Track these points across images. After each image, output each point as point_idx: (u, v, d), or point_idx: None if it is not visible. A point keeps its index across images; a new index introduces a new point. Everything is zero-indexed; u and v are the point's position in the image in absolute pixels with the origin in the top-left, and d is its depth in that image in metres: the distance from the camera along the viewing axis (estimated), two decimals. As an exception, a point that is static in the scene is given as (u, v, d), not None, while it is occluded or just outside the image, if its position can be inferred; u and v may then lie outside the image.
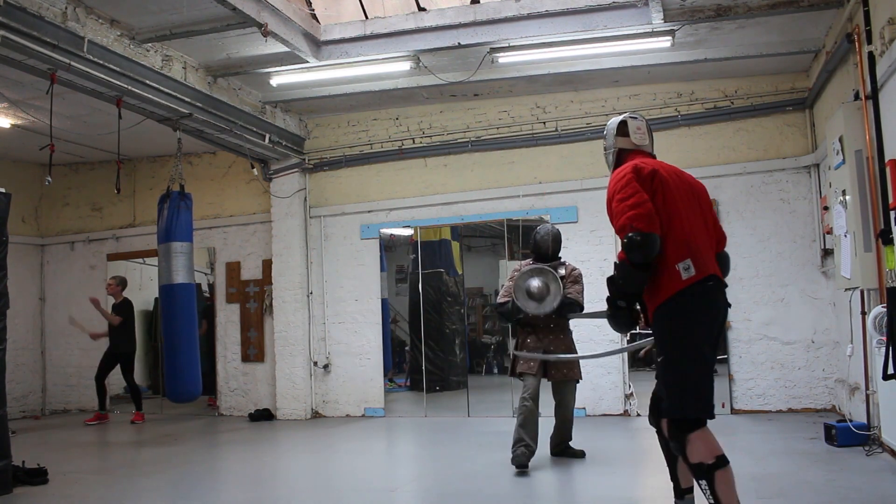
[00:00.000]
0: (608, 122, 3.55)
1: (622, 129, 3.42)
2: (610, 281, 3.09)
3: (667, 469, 3.34)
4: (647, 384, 4.12)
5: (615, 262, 3.05)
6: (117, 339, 8.43)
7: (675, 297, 2.92)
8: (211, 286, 9.38)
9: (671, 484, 3.33)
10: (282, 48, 6.27)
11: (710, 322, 2.97)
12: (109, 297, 8.64)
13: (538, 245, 5.36)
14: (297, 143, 8.55)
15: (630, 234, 2.87)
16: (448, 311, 9.75)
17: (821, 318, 6.90)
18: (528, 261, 5.41)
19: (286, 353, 8.40)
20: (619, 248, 2.99)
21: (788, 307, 7.02)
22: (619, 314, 3.09)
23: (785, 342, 7.01)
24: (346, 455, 6.15)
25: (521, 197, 7.84)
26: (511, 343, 9.37)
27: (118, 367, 8.47)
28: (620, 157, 3.38)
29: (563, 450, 5.38)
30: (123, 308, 8.54)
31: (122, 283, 8.61)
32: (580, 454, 5.32)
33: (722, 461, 2.82)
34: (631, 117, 3.47)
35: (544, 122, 7.86)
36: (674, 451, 3.04)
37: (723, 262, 3.26)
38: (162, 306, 6.97)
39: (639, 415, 7.19)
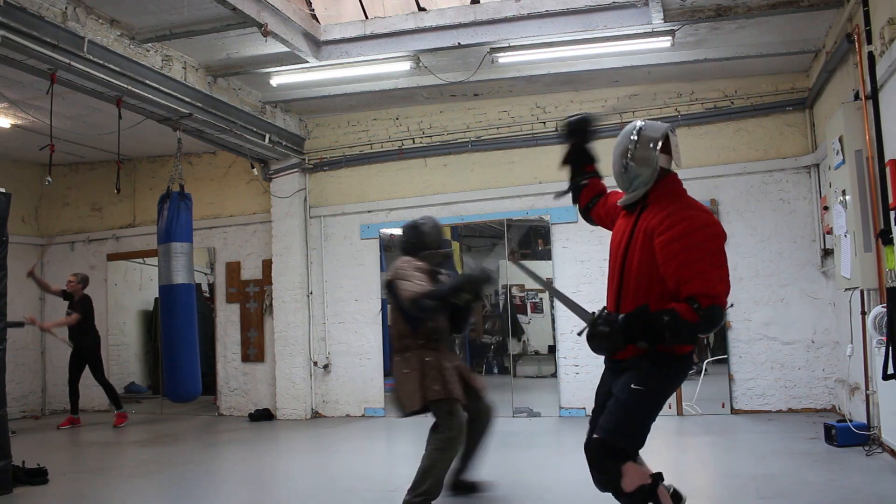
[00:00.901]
0: (644, 128, 2.87)
1: (665, 143, 2.83)
2: (650, 321, 2.63)
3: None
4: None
5: (674, 314, 2.59)
6: (78, 337, 8.23)
7: (678, 357, 2.80)
8: (211, 286, 9.38)
9: (672, 474, 3.31)
10: (282, 48, 6.27)
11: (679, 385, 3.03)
12: (71, 293, 8.35)
13: (427, 236, 4.31)
14: (297, 143, 8.55)
15: (718, 308, 2.60)
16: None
17: (821, 318, 6.90)
18: (410, 258, 4.24)
19: (286, 353, 8.40)
20: (688, 304, 2.60)
21: (788, 307, 7.02)
22: (616, 341, 2.67)
23: (785, 342, 7.00)
24: (346, 455, 6.15)
25: (521, 197, 7.85)
26: (511, 344, 9.39)
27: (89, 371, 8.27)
28: (660, 178, 2.85)
29: (466, 483, 4.40)
30: (80, 304, 8.24)
31: (83, 280, 8.40)
32: (481, 486, 4.41)
33: (660, 477, 2.78)
34: (671, 131, 2.88)
35: (544, 122, 7.86)
36: (599, 484, 2.82)
37: None
38: (162, 306, 6.97)
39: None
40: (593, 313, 2.75)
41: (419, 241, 4.30)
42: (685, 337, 2.63)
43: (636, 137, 2.86)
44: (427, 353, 4.13)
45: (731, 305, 6.67)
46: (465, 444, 4.22)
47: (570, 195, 3.39)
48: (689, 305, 2.59)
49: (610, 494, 2.80)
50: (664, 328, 2.59)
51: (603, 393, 3.01)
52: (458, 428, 4.03)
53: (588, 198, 3.33)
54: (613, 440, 2.74)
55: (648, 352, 2.72)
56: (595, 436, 2.79)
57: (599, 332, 2.69)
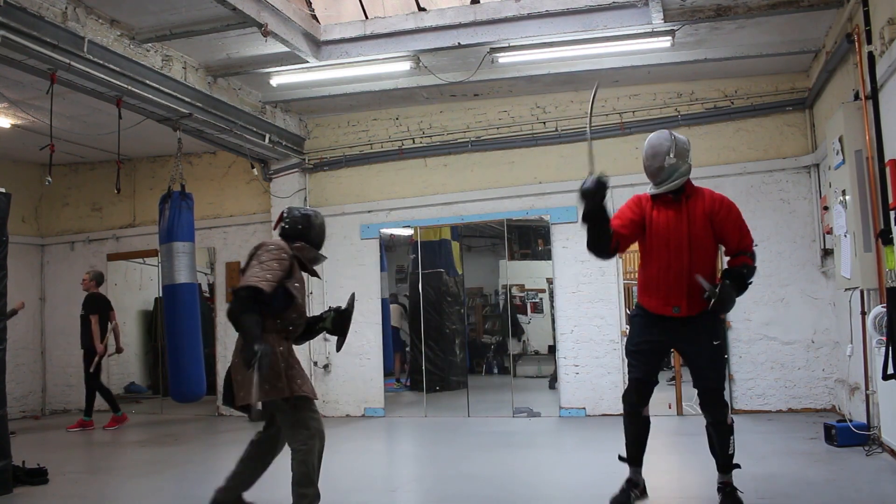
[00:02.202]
0: (680, 139, 3.90)
1: None
2: (742, 275, 3.80)
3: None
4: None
5: (747, 265, 3.84)
6: (83, 336, 8.07)
7: None
8: (211, 286, 9.38)
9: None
10: (282, 48, 6.27)
11: None
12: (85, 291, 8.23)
13: (314, 230, 4.01)
14: (297, 143, 8.55)
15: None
16: (448, 311, 9.75)
17: (821, 318, 6.90)
18: (285, 245, 3.98)
19: (286, 353, 8.38)
20: (746, 254, 3.87)
21: (788, 307, 7.02)
22: (732, 298, 3.75)
23: (785, 342, 7.01)
24: (346, 455, 6.15)
25: (521, 197, 7.85)
26: (511, 344, 9.39)
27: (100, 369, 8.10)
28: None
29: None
30: (89, 302, 8.07)
31: (96, 277, 8.23)
32: None
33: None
34: None
35: (544, 122, 7.86)
36: (715, 424, 3.87)
37: None
38: (165, 306, 6.94)
39: (639, 415, 7.18)
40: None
41: (305, 232, 3.95)
42: (753, 275, 3.87)
43: (674, 141, 3.85)
44: (282, 341, 3.73)
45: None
46: (255, 466, 4.03)
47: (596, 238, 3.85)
48: (746, 254, 3.82)
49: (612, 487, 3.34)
50: (747, 276, 3.79)
51: (654, 342, 3.86)
52: (317, 434, 3.72)
53: (615, 242, 3.88)
54: (723, 387, 3.82)
55: (710, 310, 3.70)
56: (713, 387, 3.82)
57: (723, 294, 3.69)
